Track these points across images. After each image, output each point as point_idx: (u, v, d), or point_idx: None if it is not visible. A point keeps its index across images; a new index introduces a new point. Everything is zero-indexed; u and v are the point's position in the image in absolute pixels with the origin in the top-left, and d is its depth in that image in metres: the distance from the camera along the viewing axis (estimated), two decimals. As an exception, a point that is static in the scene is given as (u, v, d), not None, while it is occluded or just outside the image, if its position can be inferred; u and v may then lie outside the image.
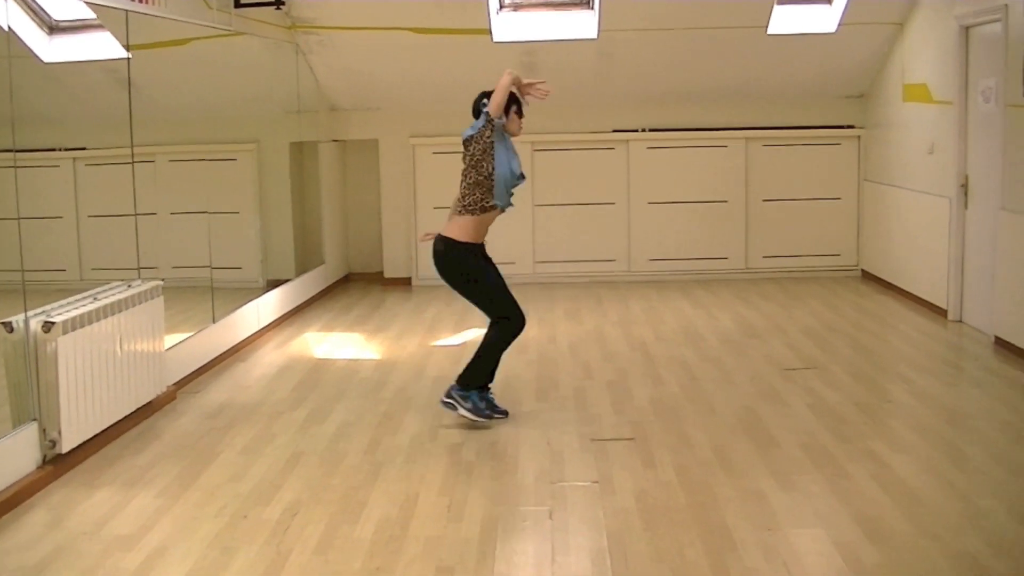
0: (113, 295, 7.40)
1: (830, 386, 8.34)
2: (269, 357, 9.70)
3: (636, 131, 13.08)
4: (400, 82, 12.66)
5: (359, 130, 13.30)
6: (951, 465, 6.57)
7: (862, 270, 13.24)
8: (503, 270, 12.92)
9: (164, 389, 8.11)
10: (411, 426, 7.58)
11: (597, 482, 6.42)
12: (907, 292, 11.72)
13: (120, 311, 7.37)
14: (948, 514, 5.82)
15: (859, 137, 13.18)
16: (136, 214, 8.10)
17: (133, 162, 8.04)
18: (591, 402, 8.09)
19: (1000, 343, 9.41)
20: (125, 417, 7.49)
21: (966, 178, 10.29)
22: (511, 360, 9.27)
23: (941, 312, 10.75)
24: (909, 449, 6.89)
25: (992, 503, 5.94)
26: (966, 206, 10.33)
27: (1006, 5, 9.16)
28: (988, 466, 6.54)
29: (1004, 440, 7.02)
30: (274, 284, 11.28)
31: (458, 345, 10.01)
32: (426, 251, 13.04)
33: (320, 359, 9.61)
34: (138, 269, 8.05)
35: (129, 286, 7.71)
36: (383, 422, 7.69)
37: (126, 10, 7.90)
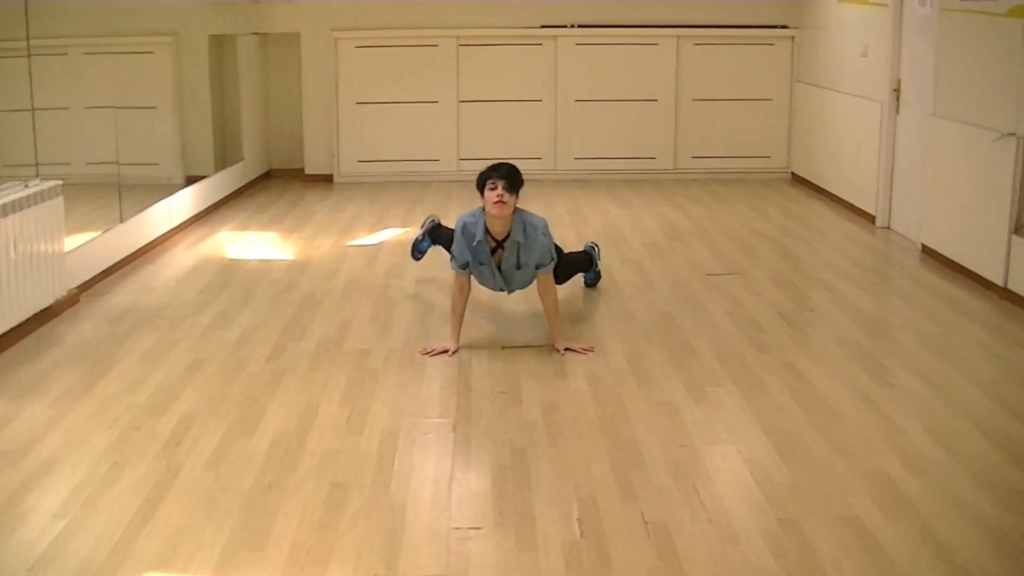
0: (7, 195, 7.04)
1: (752, 293, 8.15)
2: (179, 258, 9.37)
3: (565, 27, 12.77)
4: (322, -28, 12.26)
5: (280, 23, 12.86)
6: (870, 379, 6.39)
7: (792, 173, 13.04)
8: (426, 167, 12.81)
9: (65, 293, 7.77)
10: (317, 331, 7.32)
11: (505, 392, 6.20)
12: (836, 197, 11.53)
13: (14, 212, 7.01)
14: (864, 431, 5.65)
15: (792, 38, 12.91)
16: (34, 109, 7.71)
17: (29, 55, 7.63)
18: (506, 309, 7.84)
19: (927, 251, 9.25)
20: (22, 323, 7.14)
21: (898, 83, 10.07)
22: (426, 261, 9.03)
23: (869, 218, 10.58)
24: (828, 361, 6.70)
25: (908, 421, 5.77)
26: (898, 111, 10.12)
27: (943, -97, 8.89)
28: (907, 381, 6.37)
29: (925, 354, 6.85)
30: (193, 180, 10.93)
31: (374, 245, 9.73)
32: (348, 147, 12.80)
33: (231, 260, 9.29)
34: (36, 166, 7.66)
35: (26, 185, 7.34)
36: (289, 327, 7.42)
37: None
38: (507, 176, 6.65)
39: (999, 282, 8.03)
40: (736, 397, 6.11)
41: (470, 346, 6.99)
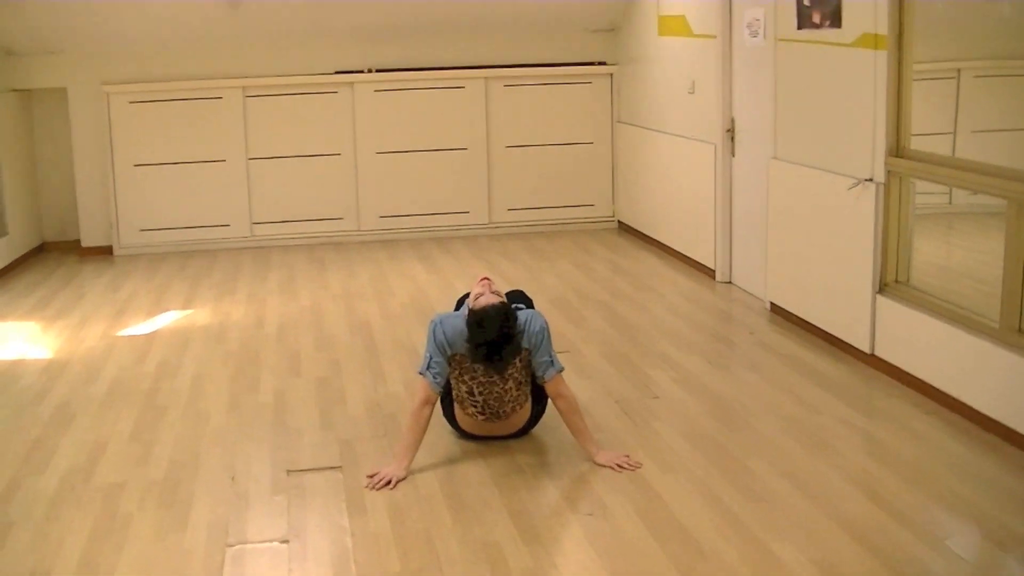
0: None
1: (583, 376, 7.01)
2: (-84, 363, 7.92)
3: (361, 72, 11.61)
4: (88, 20, 10.87)
5: (43, 78, 11.40)
6: (732, 489, 5.29)
7: (618, 222, 12.04)
8: (215, 234, 11.49)
9: None
10: (64, 459, 5.96)
11: (287, 541, 4.94)
12: (669, 248, 10.52)
13: None
14: (734, 567, 4.53)
15: (611, 75, 11.93)
16: None
17: None
18: (294, 411, 6.60)
19: (776, 311, 8.24)
20: None
21: (732, 122, 9.09)
22: (205, 353, 7.78)
23: (708, 272, 9.57)
24: (681, 467, 5.58)
25: (785, 546, 4.68)
26: (733, 153, 9.13)
27: (772, -79, 7.90)
28: (776, 487, 5.29)
29: (790, 446, 5.78)
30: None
31: (147, 335, 8.37)
32: (128, 215, 11.42)
33: (-24, 362, 7.88)
34: None
35: None
36: (30, 455, 6.03)
37: None
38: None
39: (864, 348, 7.04)
40: (573, 528, 4.96)
41: (248, 470, 5.73)
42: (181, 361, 7.66)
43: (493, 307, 5.59)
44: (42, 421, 6.57)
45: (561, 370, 5.74)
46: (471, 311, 5.63)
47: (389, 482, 5.46)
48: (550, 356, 5.72)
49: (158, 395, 6.97)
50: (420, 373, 5.69)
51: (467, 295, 6.23)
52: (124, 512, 5.28)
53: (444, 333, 5.66)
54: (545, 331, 5.74)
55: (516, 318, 5.64)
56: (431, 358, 5.66)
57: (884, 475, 5.43)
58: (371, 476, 5.52)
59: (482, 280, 5.87)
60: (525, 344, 5.67)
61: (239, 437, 6.19)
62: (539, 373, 5.73)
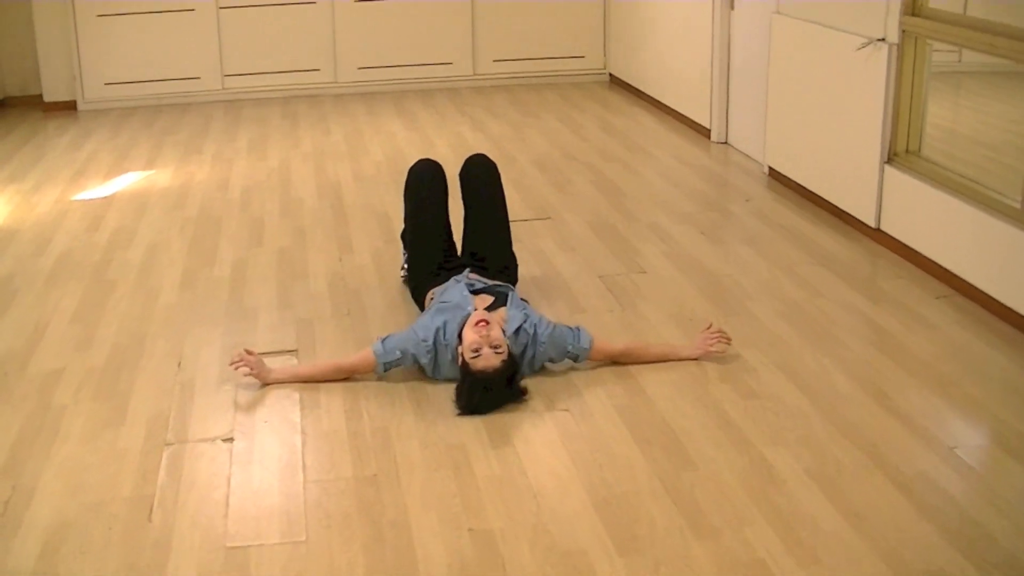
0: None
1: (566, 248, 6.52)
2: None
3: (338, -86, 10.92)
4: None
5: (-2, -80, 10.74)
6: (725, 384, 4.81)
7: (610, 75, 11.44)
8: (184, 87, 10.86)
9: None
10: (1, 342, 5.46)
11: (231, 439, 4.46)
12: (662, 105, 9.94)
13: None
14: (726, 482, 4.07)
15: (603, -82, 11.24)
16: None
17: None
18: (252, 286, 6.09)
19: (775, 176, 7.72)
20: None
21: (732, -30, 8.49)
22: (163, 219, 7.29)
23: (703, 132, 9.01)
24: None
25: (784, 458, 4.20)
26: (732, 6, 8.52)
27: None
28: (773, 384, 4.81)
29: (789, 334, 5.30)
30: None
31: (104, 199, 7.83)
32: (92, 68, 10.78)
33: (-83, 230, 7.33)
34: None
35: None
36: (-37, 334, 5.57)
37: None
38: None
39: (869, 222, 6.52)
40: (547, 429, 4.48)
41: (196, 355, 5.25)
42: (136, 229, 7.14)
43: (495, 370, 4.56)
44: (-18, 295, 6.08)
45: (592, 339, 4.92)
46: (466, 370, 4.61)
47: (250, 373, 4.89)
48: (569, 344, 4.91)
49: (108, 268, 6.45)
50: (373, 351, 4.83)
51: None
52: (57, 404, 4.80)
53: (436, 363, 4.82)
54: (550, 338, 4.87)
55: (520, 368, 4.75)
56: (400, 356, 4.80)
57: (889, 370, 4.94)
58: (244, 358, 4.91)
59: (478, 323, 4.62)
60: (530, 368, 4.90)
61: (190, 317, 5.70)
62: (576, 361, 4.97)
